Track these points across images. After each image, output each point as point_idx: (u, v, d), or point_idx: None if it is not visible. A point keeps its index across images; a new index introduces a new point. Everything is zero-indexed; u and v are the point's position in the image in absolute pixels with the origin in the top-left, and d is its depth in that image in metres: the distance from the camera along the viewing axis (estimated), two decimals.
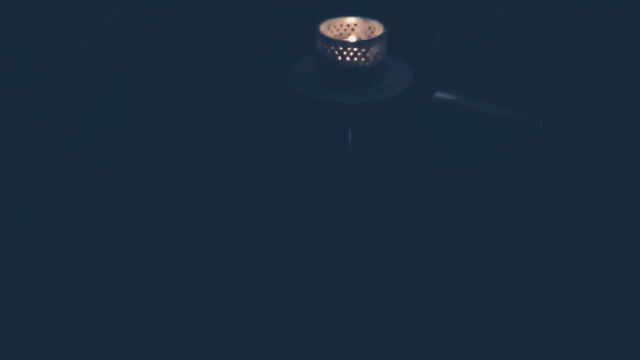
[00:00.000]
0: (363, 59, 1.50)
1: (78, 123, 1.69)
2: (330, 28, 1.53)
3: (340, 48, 1.49)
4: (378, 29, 1.52)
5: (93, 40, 1.73)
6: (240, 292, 1.46)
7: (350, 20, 1.55)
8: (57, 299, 1.46)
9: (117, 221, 1.57)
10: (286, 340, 1.41)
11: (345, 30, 1.55)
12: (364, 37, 1.54)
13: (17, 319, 1.44)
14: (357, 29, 1.55)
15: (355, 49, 1.49)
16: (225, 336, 1.41)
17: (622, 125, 1.67)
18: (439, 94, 1.54)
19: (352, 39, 1.54)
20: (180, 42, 1.73)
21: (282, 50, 1.64)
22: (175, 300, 1.45)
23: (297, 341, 1.40)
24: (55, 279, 1.49)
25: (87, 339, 1.41)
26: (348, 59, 1.49)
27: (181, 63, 1.64)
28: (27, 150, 1.66)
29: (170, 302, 1.45)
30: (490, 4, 1.77)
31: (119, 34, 1.74)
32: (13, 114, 1.69)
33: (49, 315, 1.44)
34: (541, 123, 1.47)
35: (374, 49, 1.50)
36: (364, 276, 1.47)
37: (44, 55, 1.71)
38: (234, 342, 1.41)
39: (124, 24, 1.75)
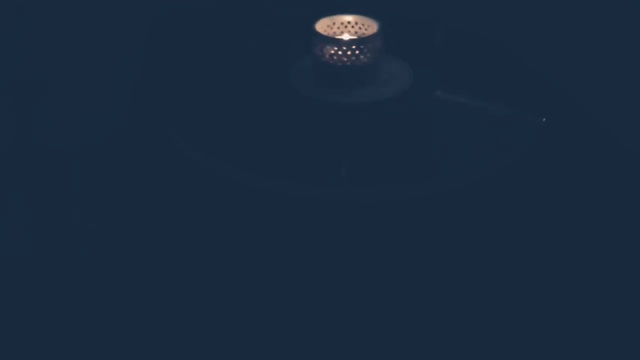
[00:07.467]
0: (362, 57, 1.49)
1: (78, 123, 1.69)
2: (325, 27, 1.53)
3: (335, 48, 1.49)
4: (372, 26, 1.52)
5: (93, 40, 1.73)
6: (240, 292, 1.46)
7: (345, 18, 1.55)
8: (57, 299, 1.46)
9: (117, 221, 1.57)
10: (286, 340, 1.41)
11: (338, 28, 1.55)
12: (359, 35, 1.54)
13: (17, 318, 1.44)
14: (352, 27, 1.55)
15: (352, 47, 1.49)
16: (225, 336, 1.41)
17: (622, 125, 1.67)
18: (439, 94, 1.54)
19: (346, 37, 1.54)
20: (180, 42, 1.73)
21: (282, 50, 1.64)
22: (175, 300, 1.45)
23: (297, 341, 1.40)
24: (55, 278, 1.49)
25: (87, 338, 1.41)
26: (345, 58, 1.49)
27: (181, 63, 1.65)
28: (27, 150, 1.66)
29: (170, 302, 1.45)
30: (490, 4, 1.77)
31: (119, 33, 1.74)
32: (13, 114, 1.69)
33: (49, 315, 1.44)
34: (541, 121, 1.47)
35: (369, 47, 1.50)
36: (364, 276, 1.47)
37: (44, 55, 1.71)
38: (234, 342, 1.41)
39: (124, 24, 1.75)
